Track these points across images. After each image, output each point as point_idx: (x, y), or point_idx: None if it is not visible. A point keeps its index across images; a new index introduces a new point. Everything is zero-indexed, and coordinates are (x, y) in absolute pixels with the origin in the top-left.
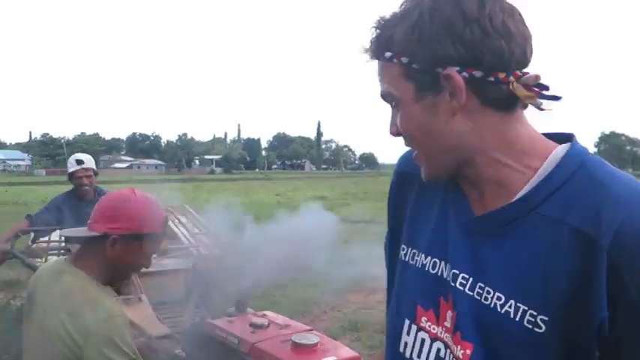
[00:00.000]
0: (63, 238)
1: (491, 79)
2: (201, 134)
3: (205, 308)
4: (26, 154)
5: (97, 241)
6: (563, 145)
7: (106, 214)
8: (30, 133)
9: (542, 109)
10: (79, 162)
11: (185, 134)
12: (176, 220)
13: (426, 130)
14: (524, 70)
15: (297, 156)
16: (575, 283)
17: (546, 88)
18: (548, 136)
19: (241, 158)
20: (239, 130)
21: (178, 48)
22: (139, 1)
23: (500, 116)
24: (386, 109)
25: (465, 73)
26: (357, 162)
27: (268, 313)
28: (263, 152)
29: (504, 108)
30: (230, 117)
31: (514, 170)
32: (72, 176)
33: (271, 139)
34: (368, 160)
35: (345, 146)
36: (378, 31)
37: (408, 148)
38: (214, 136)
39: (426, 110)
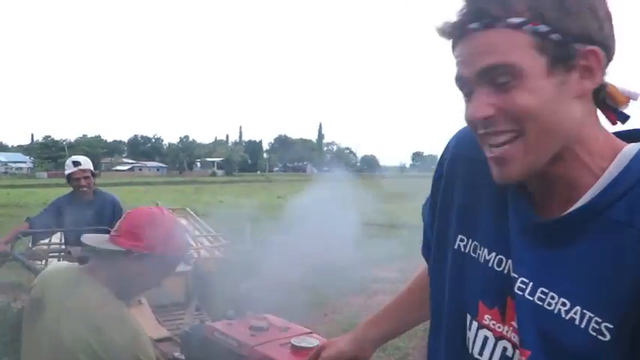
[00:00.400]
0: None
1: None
2: (203, 136)
3: (206, 311)
4: (28, 157)
5: (117, 255)
6: (634, 145)
7: (132, 230)
8: (32, 135)
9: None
10: (76, 163)
11: (187, 136)
12: None
13: (552, 109)
14: None
15: (298, 158)
16: None
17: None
18: (619, 134)
19: (243, 161)
20: (240, 133)
21: (180, 50)
22: (141, 2)
23: (595, 110)
24: (385, 110)
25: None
26: (358, 164)
27: (268, 315)
28: (264, 154)
29: (597, 103)
30: (231, 119)
31: (590, 171)
32: (70, 178)
33: (273, 142)
34: (369, 163)
35: (347, 148)
36: None
37: (461, 128)
38: (216, 138)
39: (555, 88)
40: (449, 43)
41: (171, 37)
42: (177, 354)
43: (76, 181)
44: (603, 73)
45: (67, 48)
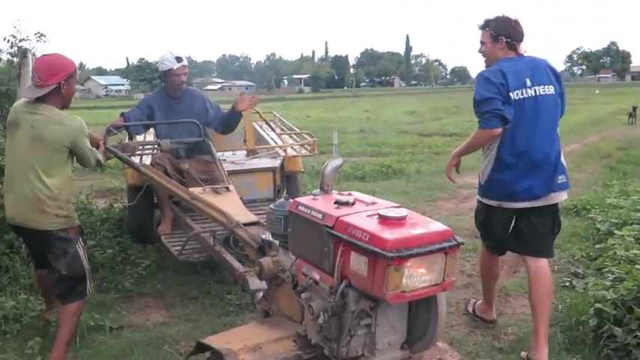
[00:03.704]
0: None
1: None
2: (289, 53)
3: None
4: (125, 79)
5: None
6: None
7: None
8: (127, 58)
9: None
10: (179, 59)
11: (273, 54)
12: (264, 125)
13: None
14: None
15: (385, 73)
16: None
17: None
18: None
19: (329, 77)
20: (326, 48)
21: None
22: None
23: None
24: (475, 17)
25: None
26: (448, 77)
27: (354, 192)
28: (351, 70)
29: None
30: (317, 35)
31: None
32: (169, 74)
33: (359, 56)
34: (460, 75)
35: (436, 60)
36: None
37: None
38: (302, 55)
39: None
40: None
41: None
42: (264, 236)
43: (176, 77)
44: (509, 45)
45: None
